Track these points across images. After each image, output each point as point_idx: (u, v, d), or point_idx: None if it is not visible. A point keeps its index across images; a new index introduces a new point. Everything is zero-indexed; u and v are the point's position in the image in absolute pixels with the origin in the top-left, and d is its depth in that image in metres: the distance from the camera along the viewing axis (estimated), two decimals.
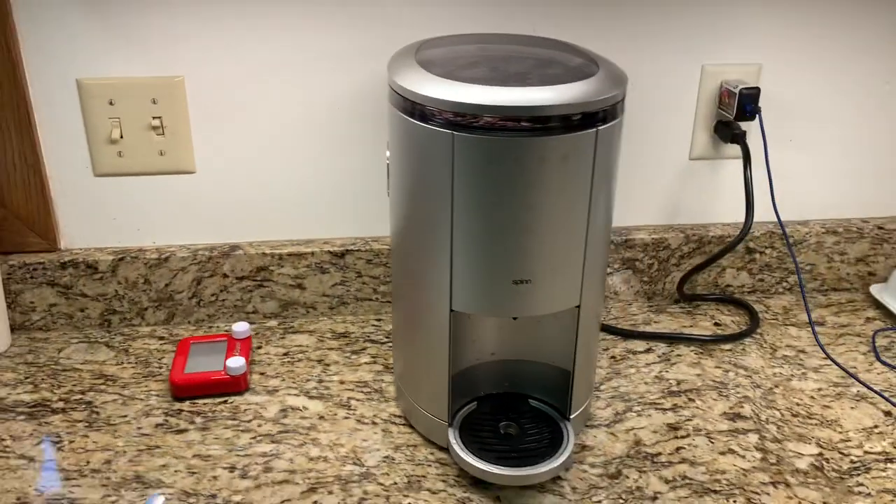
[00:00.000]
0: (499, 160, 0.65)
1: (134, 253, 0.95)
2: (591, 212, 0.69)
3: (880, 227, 1.06)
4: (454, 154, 0.65)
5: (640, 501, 0.73)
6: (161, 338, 0.96)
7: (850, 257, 1.07)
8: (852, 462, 0.78)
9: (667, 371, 0.91)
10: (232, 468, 0.76)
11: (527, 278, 0.69)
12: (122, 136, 0.91)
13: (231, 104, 0.91)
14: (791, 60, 0.98)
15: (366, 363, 0.92)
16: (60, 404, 0.85)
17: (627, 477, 0.76)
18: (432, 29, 0.90)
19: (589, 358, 0.78)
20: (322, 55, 0.90)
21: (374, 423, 0.83)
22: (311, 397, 0.86)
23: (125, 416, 0.83)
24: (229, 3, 0.87)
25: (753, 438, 0.81)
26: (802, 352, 0.96)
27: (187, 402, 0.85)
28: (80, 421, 0.82)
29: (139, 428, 0.81)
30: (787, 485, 0.75)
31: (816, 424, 0.84)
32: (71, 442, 0.79)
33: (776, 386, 0.89)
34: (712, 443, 0.81)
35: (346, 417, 0.83)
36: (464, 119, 0.64)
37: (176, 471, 0.76)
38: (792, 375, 0.91)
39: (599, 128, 0.66)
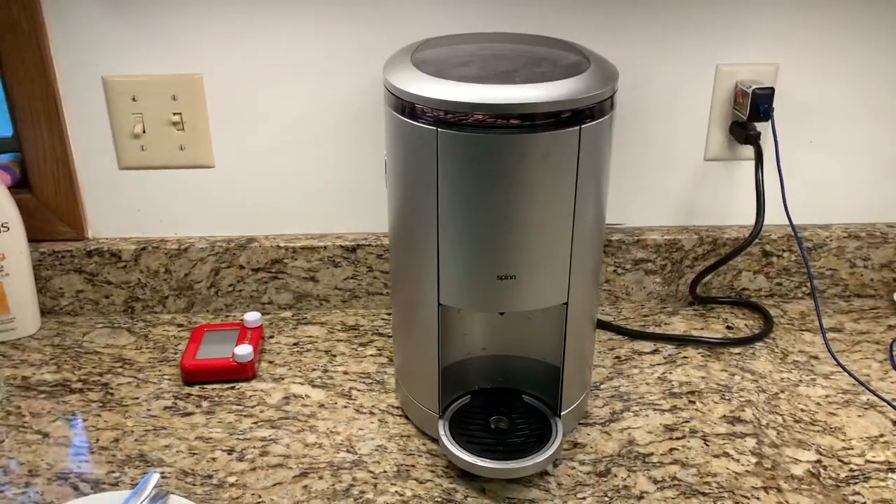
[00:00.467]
0: (481, 157, 0.66)
1: (155, 243, 0.99)
2: (576, 209, 0.69)
3: None
4: (438, 150, 0.66)
5: (625, 500, 0.73)
6: (180, 325, 1.00)
7: (874, 263, 1.04)
8: (851, 470, 0.77)
9: (671, 372, 0.91)
10: (231, 451, 0.79)
11: (511, 274, 0.70)
12: (144, 131, 0.95)
13: (248, 101, 0.95)
14: (810, 60, 0.96)
15: (371, 355, 0.94)
16: (79, 385, 0.89)
17: (616, 475, 0.76)
18: (445, 28, 0.92)
19: (581, 356, 0.79)
20: (336, 53, 0.92)
21: (371, 413, 0.85)
22: (314, 386, 0.89)
23: (137, 397, 0.87)
24: (245, 3, 0.90)
25: (751, 442, 0.80)
26: (815, 358, 0.94)
27: (196, 387, 0.89)
28: (95, 401, 0.86)
29: (149, 409, 0.85)
30: (779, 490, 0.74)
31: (819, 431, 0.82)
32: (85, 420, 0.84)
33: (782, 391, 0.88)
34: (707, 445, 0.80)
35: (346, 407, 0.86)
36: (447, 116, 0.65)
37: (178, 451, 0.79)
38: (800, 381, 0.90)
39: (583, 126, 0.66)
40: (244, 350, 0.89)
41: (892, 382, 0.89)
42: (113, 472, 0.76)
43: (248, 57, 0.92)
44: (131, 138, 0.95)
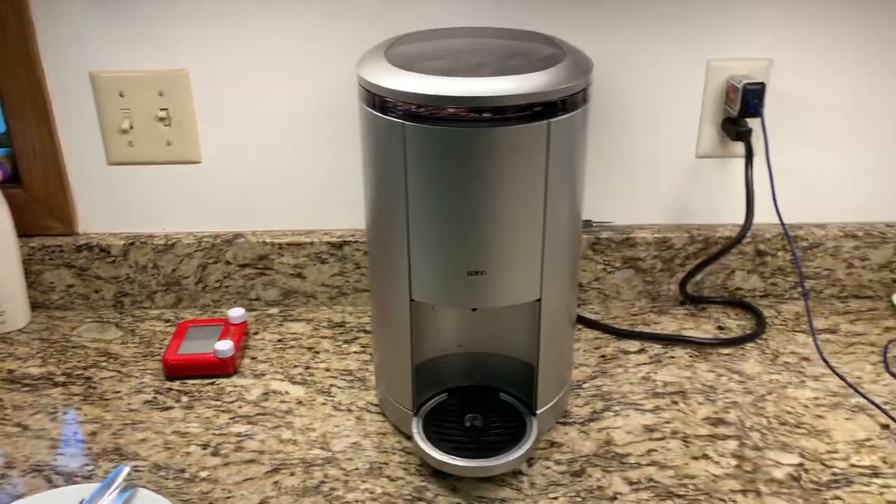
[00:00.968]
0: (448, 151, 0.65)
1: (144, 238, 1.00)
2: (547, 205, 0.68)
3: None
4: (406, 145, 0.66)
5: (598, 501, 0.72)
6: (167, 320, 1.00)
7: (872, 263, 1.02)
8: (834, 475, 0.75)
9: (656, 372, 0.89)
10: (206, 446, 0.79)
11: (482, 269, 0.69)
12: (131, 127, 0.95)
13: (235, 97, 0.95)
14: (805, 55, 0.94)
15: (355, 352, 0.94)
16: (63, 378, 0.90)
17: (591, 476, 0.75)
18: (432, 22, 0.91)
19: (559, 354, 0.78)
20: (323, 48, 0.92)
21: (349, 410, 0.84)
22: (294, 383, 0.89)
23: (119, 392, 0.87)
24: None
25: (732, 445, 0.78)
26: (806, 359, 0.92)
27: (178, 382, 0.89)
28: (78, 395, 0.87)
29: (129, 404, 0.85)
30: (758, 494, 0.72)
31: (804, 434, 0.80)
32: (65, 414, 0.84)
33: (770, 393, 0.86)
34: (687, 447, 0.78)
35: (324, 404, 0.85)
36: (414, 109, 0.65)
37: (153, 445, 0.79)
38: (789, 383, 0.88)
39: (552, 119, 0.65)
40: (225, 346, 0.89)
41: (885, 385, 0.87)
42: (87, 465, 0.77)
43: (234, 53, 0.93)
44: (119, 134, 0.96)
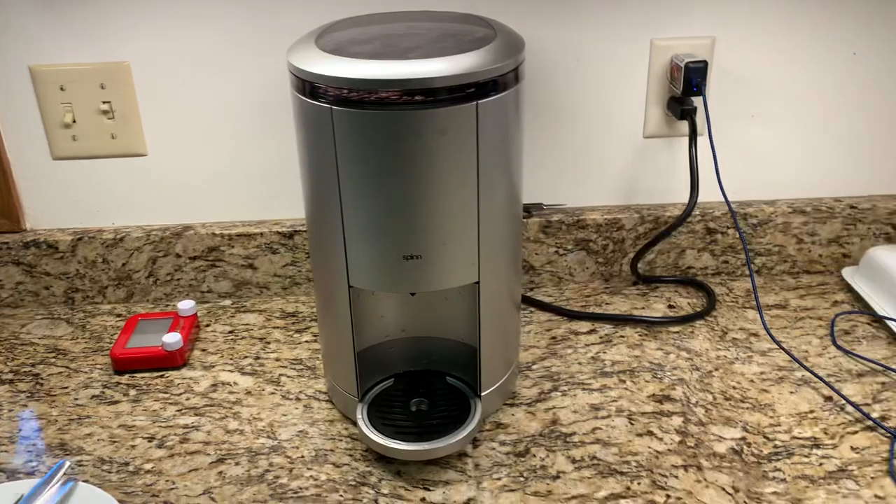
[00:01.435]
0: (375, 135, 0.65)
1: (92, 233, 0.99)
2: (480, 187, 0.68)
3: (853, 207, 1.01)
4: (335, 129, 0.66)
5: (541, 480, 0.72)
6: (119, 315, 1.00)
7: (821, 238, 1.02)
8: (775, 447, 0.75)
9: (605, 352, 0.90)
10: (151, 438, 0.79)
11: (417, 254, 0.69)
12: (74, 121, 0.94)
13: (178, 88, 0.94)
14: (749, 32, 0.94)
15: (306, 342, 0.94)
16: (10, 375, 0.89)
17: (535, 455, 0.75)
18: (372, 7, 0.90)
19: (502, 336, 0.78)
20: (263, 38, 0.91)
21: (298, 399, 0.84)
22: (243, 373, 0.88)
23: (66, 387, 0.87)
24: None
25: (677, 421, 0.79)
26: (755, 335, 0.92)
27: (127, 376, 0.88)
28: (24, 391, 0.86)
29: (76, 399, 0.85)
30: (699, 468, 0.73)
31: (748, 409, 0.81)
32: (10, 411, 0.83)
33: (717, 369, 0.87)
34: (632, 424, 0.79)
35: (273, 393, 0.85)
36: (342, 94, 0.64)
37: (99, 439, 0.79)
38: (736, 359, 0.88)
39: (480, 101, 0.65)
40: (173, 338, 0.88)
41: (830, 358, 0.88)
42: (31, 461, 0.76)
43: (175, 43, 0.92)
44: (62, 128, 0.95)
